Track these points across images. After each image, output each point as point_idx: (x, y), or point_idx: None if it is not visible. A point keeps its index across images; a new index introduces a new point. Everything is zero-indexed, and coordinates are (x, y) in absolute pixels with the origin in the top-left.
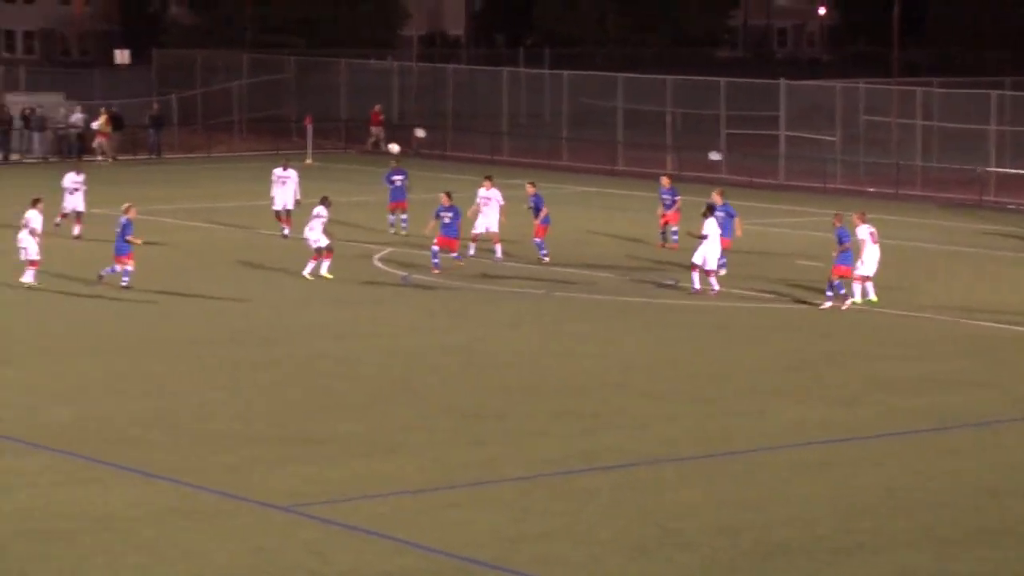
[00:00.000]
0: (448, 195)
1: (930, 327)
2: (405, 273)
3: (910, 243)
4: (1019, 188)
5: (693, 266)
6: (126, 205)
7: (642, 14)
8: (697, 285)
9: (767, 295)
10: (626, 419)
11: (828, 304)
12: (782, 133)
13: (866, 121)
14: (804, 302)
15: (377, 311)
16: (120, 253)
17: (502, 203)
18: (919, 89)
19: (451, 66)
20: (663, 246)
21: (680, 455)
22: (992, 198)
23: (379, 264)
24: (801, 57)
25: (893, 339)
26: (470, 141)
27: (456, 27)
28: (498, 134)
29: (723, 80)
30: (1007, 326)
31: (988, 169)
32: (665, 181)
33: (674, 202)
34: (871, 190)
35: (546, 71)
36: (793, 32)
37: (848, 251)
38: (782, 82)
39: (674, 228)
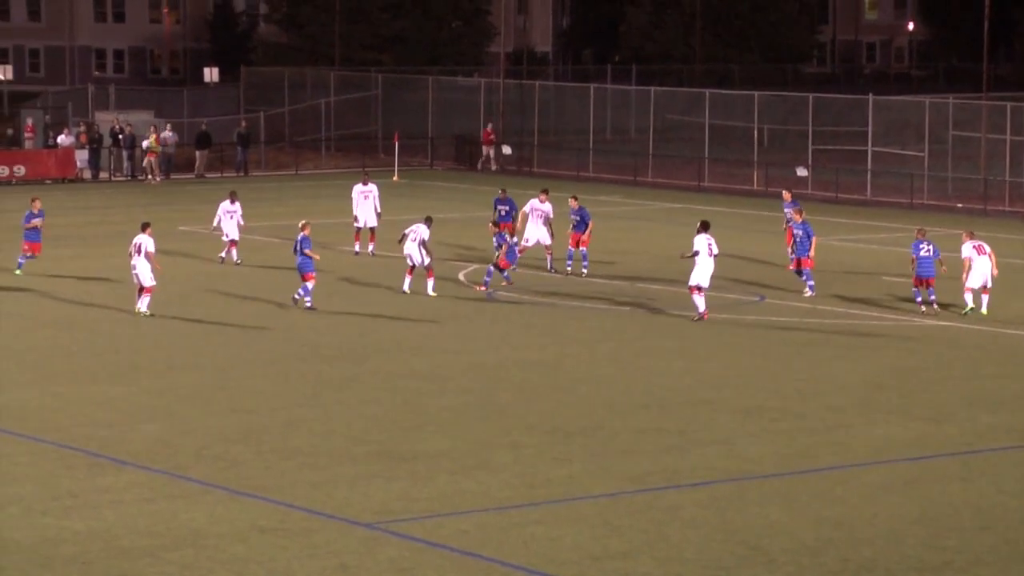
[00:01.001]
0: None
1: (1019, 344)
2: (489, 289)
3: (1000, 259)
4: None
5: (691, 288)
6: (303, 222)
7: (730, 31)
8: (702, 308)
9: (855, 312)
10: (712, 436)
11: (923, 308)
12: (869, 148)
13: (955, 136)
14: (892, 318)
15: (461, 327)
16: (304, 270)
17: (551, 216)
18: (1009, 104)
19: (538, 83)
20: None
21: (765, 472)
22: None
23: (463, 280)
24: (889, 72)
25: (984, 356)
26: (556, 158)
27: (544, 44)
28: (584, 150)
29: (811, 95)
30: None
31: None
32: (787, 195)
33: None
34: (959, 206)
35: (632, 87)
36: (882, 47)
37: (928, 258)
38: (870, 97)
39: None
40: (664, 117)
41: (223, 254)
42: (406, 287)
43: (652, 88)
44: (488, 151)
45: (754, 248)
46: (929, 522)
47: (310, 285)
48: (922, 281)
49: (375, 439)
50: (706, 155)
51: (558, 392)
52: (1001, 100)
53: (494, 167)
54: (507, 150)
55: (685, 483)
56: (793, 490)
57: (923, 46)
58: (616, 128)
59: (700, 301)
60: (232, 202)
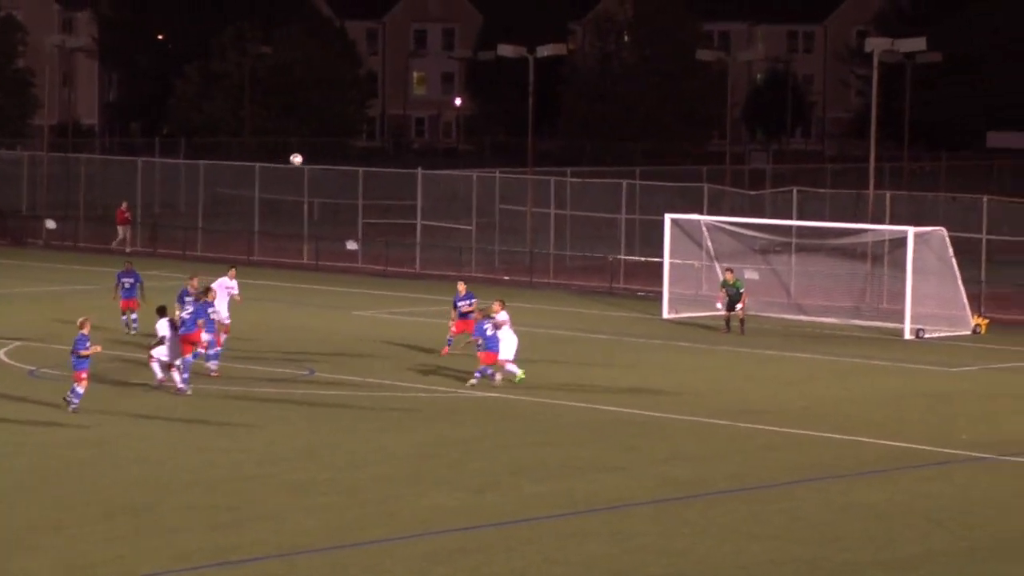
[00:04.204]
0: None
1: (564, 412)
2: (33, 367)
3: (544, 330)
4: (647, 275)
5: (151, 357)
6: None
7: (280, 104)
8: (160, 374)
9: (405, 384)
10: (263, 511)
11: (474, 381)
12: (419, 222)
13: (502, 210)
14: (442, 390)
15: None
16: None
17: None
18: (553, 179)
19: (83, 156)
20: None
21: (317, 546)
22: (622, 285)
23: (4, 358)
24: (438, 147)
25: (529, 426)
26: (103, 232)
27: (90, 117)
28: (131, 224)
29: (361, 169)
30: (638, 411)
31: (619, 257)
32: (462, 287)
33: (471, 307)
34: (506, 278)
35: (181, 161)
36: (430, 122)
37: (493, 338)
38: (419, 171)
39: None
40: (214, 191)
41: None
42: None
43: (201, 162)
44: (124, 231)
45: (304, 322)
46: None
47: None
48: (491, 357)
49: None
50: (256, 228)
51: (108, 471)
52: (546, 175)
53: (127, 249)
54: (51, 224)
55: (234, 559)
56: (343, 563)
57: (470, 121)
58: (165, 202)
59: (156, 368)
60: None
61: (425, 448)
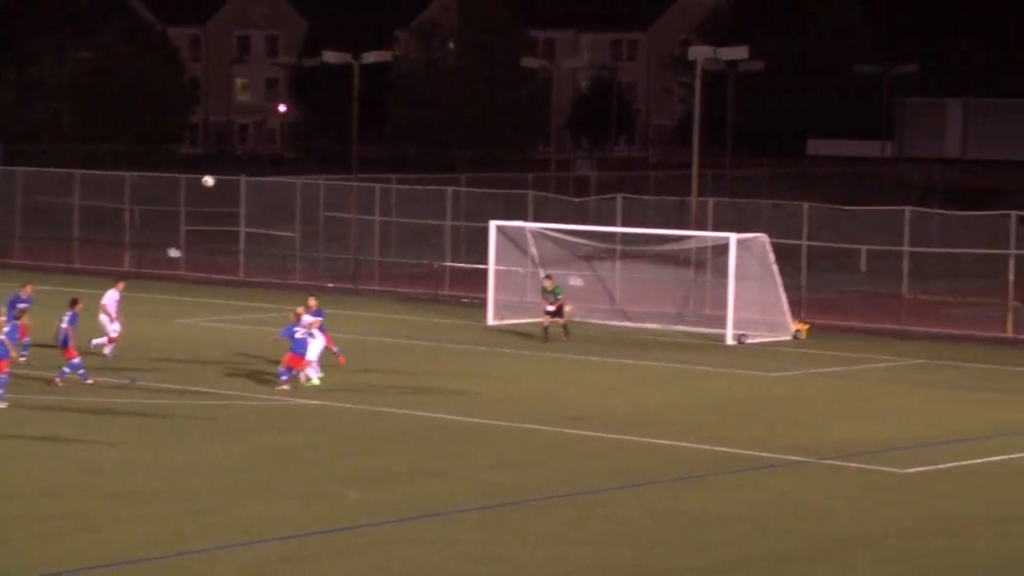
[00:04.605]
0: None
1: (388, 419)
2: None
3: (369, 337)
4: (473, 282)
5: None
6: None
7: (100, 111)
8: None
9: (228, 392)
10: (82, 523)
11: (285, 387)
12: (242, 229)
13: (326, 217)
14: (264, 398)
15: None
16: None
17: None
18: (378, 185)
19: None
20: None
21: (135, 557)
22: (447, 292)
23: None
24: (262, 153)
25: (354, 434)
26: None
27: None
28: None
29: (183, 176)
30: (462, 418)
31: (444, 263)
32: (313, 303)
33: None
34: (331, 285)
35: None
36: (254, 129)
37: (301, 341)
38: (242, 178)
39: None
40: (33, 198)
41: None
42: None
43: (19, 168)
44: None
45: (125, 330)
46: None
47: None
48: (298, 360)
49: None
50: (76, 236)
51: None
52: (371, 181)
53: None
54: None
55: (54, 571)
56: (166, 573)
57: (295, 128)
58: None
59: None
60: None
61: (249, 457)
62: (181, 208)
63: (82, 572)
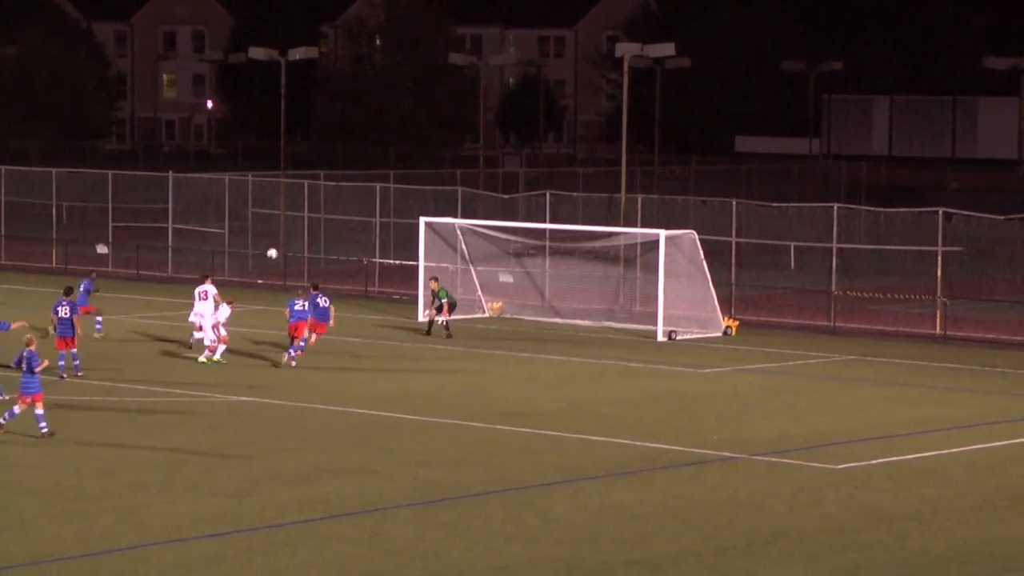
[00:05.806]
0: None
1: (319, 416)
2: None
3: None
4: (402, 278)
5: None
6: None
7: (25, 106)
8: None
9: (156, 389)
10: (7, 520)
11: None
12: (170, 225)
13: (254, 213)
14: (193, 394)
15: None
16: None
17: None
18: (306, 182)
19: None
20: None
21: (66, 554)
22: (377, 288)
23: None
24: (189, 149)
25: (286, 431)
26: None
27: None
28: None
29: (110, 172)
30: (394, 414)
31: (373, 260)
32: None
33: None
34: (260, 282)
35: None
36: (181, 125)
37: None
38: (170, 175)
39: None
40: None
41: None
42: None
43: None
44: None
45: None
46: None
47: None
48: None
49: None
50: (2, 232)
51: None
52: (299, 178)
53: None
54: None
55: None
56: (94, 571)
57: (222, 124)
58: None
59: None
60: None
61: (178, 454)
62: (109, 204)
63: (9, 571)
